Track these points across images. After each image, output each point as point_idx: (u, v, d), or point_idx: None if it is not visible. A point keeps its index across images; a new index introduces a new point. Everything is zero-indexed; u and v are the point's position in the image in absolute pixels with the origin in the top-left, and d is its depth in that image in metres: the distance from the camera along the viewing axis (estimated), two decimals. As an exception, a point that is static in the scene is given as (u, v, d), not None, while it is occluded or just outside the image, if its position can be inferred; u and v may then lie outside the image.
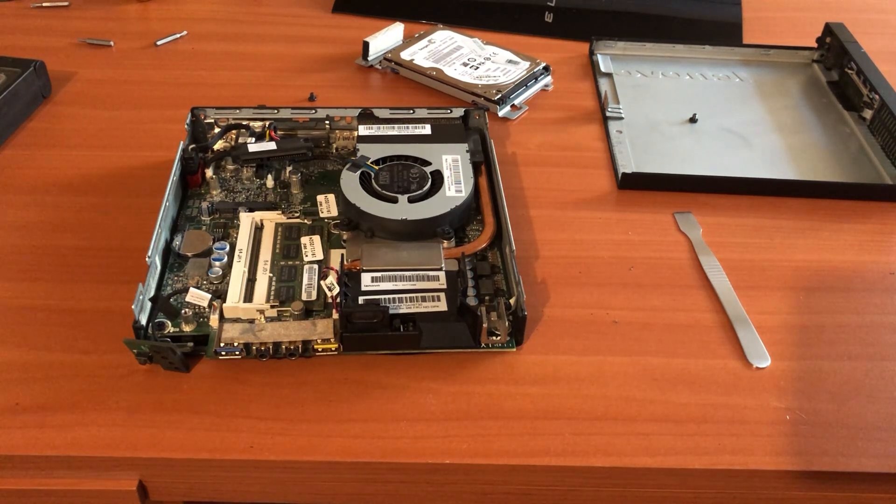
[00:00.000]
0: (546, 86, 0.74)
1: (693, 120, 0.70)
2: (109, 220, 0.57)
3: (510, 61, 0.75)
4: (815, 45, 0.80)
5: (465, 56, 0.75)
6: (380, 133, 0.60)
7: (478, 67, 0.74)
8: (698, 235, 0.58)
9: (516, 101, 0.72)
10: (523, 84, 0.73)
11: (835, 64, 0.77)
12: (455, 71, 0.73)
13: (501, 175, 0.58)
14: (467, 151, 0.59)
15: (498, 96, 0.70)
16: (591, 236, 0.58)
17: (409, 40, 0.78)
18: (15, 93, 0.65)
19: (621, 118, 0.70)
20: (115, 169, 0.62)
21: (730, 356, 0.49)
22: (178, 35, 0.80)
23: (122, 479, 0.44)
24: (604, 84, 0.75)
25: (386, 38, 0.77)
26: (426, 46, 0.77)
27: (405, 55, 0.75)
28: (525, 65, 0.74)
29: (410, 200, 0.54)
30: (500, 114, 0.70)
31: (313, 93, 0.71)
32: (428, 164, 0.57)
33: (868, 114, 0.70)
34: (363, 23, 0.83)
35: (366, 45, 0.75)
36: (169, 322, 0.48)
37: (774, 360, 0.49)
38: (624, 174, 0.62)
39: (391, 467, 0.43)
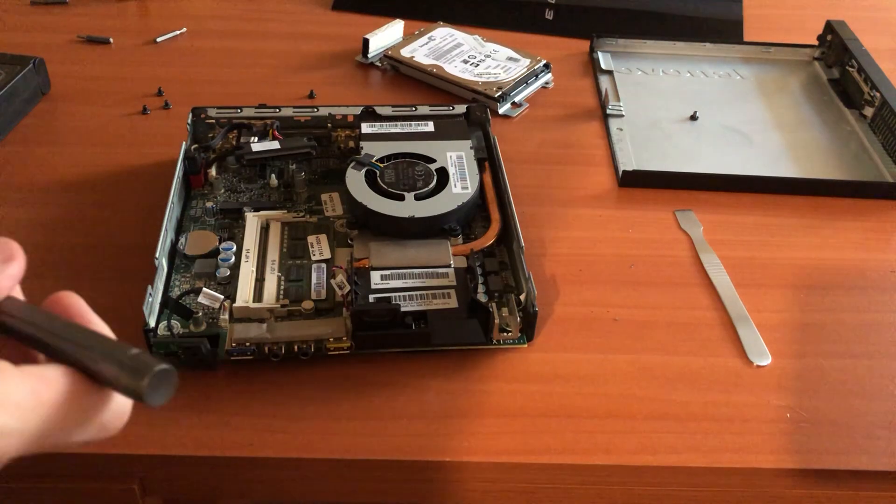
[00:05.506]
0: (546, 83, 0.74)
1: (694, 117, 0.70)
2: (109, 218, 0.57)
3: (511, 59, 0.75)
4: (816, 42, 0.80)
5: (465, 53, 0.75)
6: (382, 131, 0.60)
7: (478, 65, 0.74)
8: (699, 233, 0.58)
9: (517, 99, 0.71)
10: (524, 81, 0.72)
11: (836, 61, 0.77)
12: (455, 68, 0.73)
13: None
14: (471, 148, 0.59)
15: (498, 94, 0.70)
16: (591, 234, 0.58)
17: (408, 37, 0.77)
18: (14, 89, 0.65)
19: (622, 116, 0.70)
20: (115, 166, 0.62)
21: (730, 354, 0.49)
22: (178, 32, 0.80)
23: (122, 478, 0.44)
24: (604, 81, 0.75)
25: (386, 35, 0.77)
26: (426, 43, 0.76)
27: (405, 52, 0.75)
28: (525, 62, 0.74)
29: (417, 198, 0.54)
30: (501, 111, 0.70)
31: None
32: (432, 161, 0.57)
33: (869, 111, 0.70)
34: (363, 20, 0.83)
35: (366, 42, 0.75)
36: (178, 323, 0.47)
37: (775, 358, 0.49)
38: (624, 172, 0.62)
39: (391, 465, 0.43)
